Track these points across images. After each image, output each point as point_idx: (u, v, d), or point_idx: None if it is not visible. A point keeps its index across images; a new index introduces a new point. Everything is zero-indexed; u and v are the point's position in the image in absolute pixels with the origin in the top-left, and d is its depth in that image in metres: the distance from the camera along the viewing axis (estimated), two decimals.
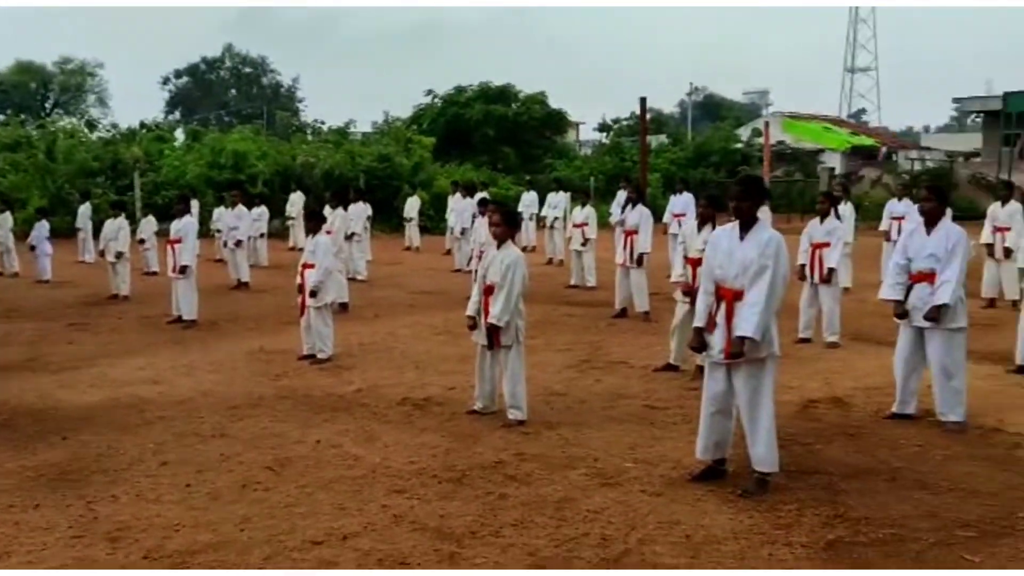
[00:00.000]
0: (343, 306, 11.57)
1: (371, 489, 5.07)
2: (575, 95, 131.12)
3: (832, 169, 37.55)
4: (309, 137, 34.97)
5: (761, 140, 40.48)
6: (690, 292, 8.02)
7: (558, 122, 39.35)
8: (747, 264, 4.93)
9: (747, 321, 4.84)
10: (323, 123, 36.48)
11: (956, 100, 41.23)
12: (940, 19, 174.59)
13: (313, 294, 8.43)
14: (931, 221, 6.40)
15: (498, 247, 6.58)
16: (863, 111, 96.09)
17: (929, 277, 6.32)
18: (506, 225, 6.57)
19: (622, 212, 11.40)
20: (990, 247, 12.10)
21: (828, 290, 9.42)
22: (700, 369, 7.90)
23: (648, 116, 60.83)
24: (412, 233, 21.68)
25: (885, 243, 14.89)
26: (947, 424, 6.26)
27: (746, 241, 4.99)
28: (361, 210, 15.24)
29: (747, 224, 5.03)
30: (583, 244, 13.98)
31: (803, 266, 9.60)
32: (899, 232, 14.42)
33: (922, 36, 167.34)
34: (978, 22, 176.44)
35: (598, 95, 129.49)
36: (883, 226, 14.84)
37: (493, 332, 6.40)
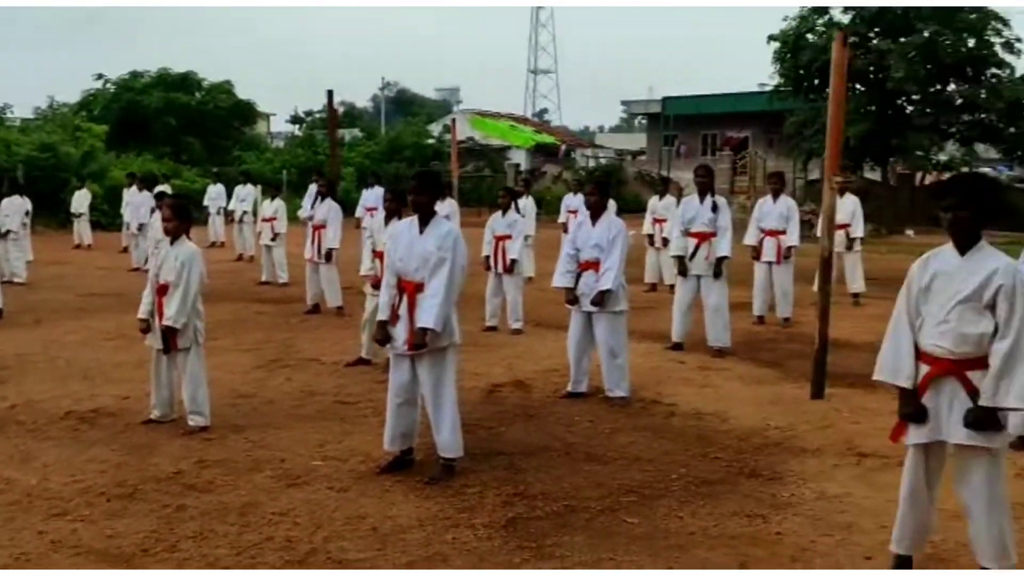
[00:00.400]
0: None
1: (26, 515, 4.55)
2: (267, 87, 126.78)
3: (518, 165, 39.62)
4: None
5: (450, 136, 41.94)
6: (379, 285, 8.11)
7: (247, 113, 37.91)
8: (427, 257, 5.04)
9: (428, 312, 4.94)
10: None
11: (624, 103, 45.38)
12: (612, 27, 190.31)
13: None
14: (595, 214, 6.94)
15: (171, 243, 6.17)
16: (545, 111, 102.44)
17: (595, 265, 6.85)
18: (178, 219, 6.18)
19: (312, 207, 11.21)
20: (651, 237, 13.40)
21: (511, 280, 9.91)
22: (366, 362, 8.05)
23: (341, 110, 60.18)
24: (82, 229, 19.83)
25: (563, 235, 15.95)
26: (614, 399, 6.83)
27: (425, 234, 5.10)
28: (18, 205, 13.65)
29: (426, 218, 5.13)
30: (273, 239, 13.58)
31: (487, 257, 10.04)
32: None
33: (597, 42, 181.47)
34: (644, 32, 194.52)
35: (291, 87, 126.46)
36: (561, 219, 15.91)
37: (169, 335, 6.00)
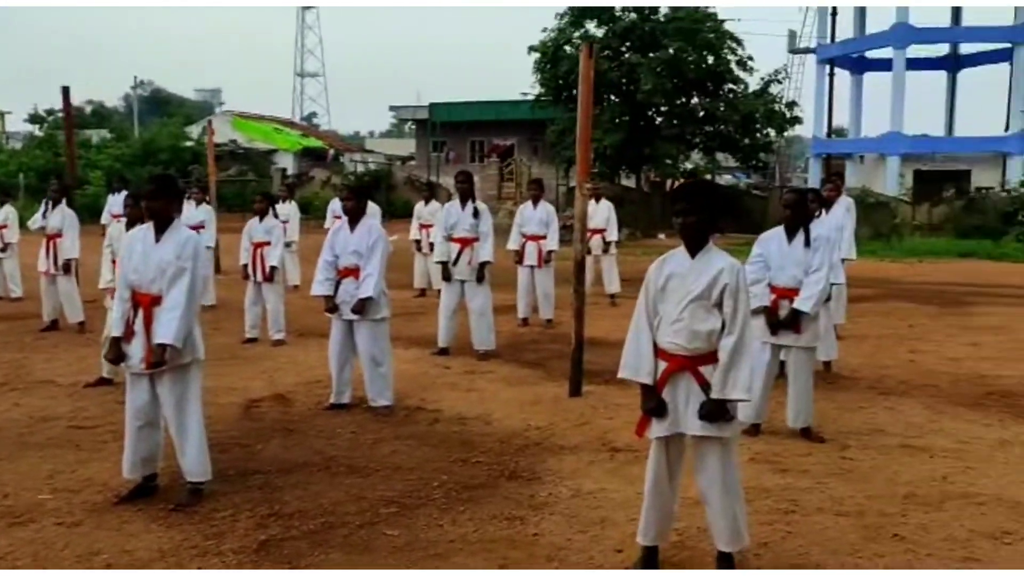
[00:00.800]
0: None
1: None
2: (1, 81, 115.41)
3: (284, 169, 38.53)
4: None
5: (215, 139, 40.00)
6: None
7: None
8: (164, 267, 4.68)
9: (167, 327, 4.60)
10: None
11: (392, 108, 45.15)
12: (382, 32, 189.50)
13: None
14: (353, 219, 6.79)
15: None
16: (314, 115, 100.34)
17: (354, 272, 6.70)
18: None
19: (43, 215, 10.24)
20: (417, 242, 13.39)
21: (271, 288, 9.53)
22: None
23: (88, 109, 55.68)
24: None
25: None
26: (377, 409, 6.71)
27: (162, 242, 4.74)
28: None
29: (162, 224, 4.77)
30: (3, 249, 12.25)
31: (245, 266, 9.60)
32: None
33: (367, 46, 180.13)
34: (414, 37, 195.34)
35: (30, 83, 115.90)
36: (327, 224, 15.56)
37: None
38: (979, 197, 26.41)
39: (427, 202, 13.41)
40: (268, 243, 9.44)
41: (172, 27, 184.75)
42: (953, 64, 36.64)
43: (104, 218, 15.05)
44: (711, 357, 3.73)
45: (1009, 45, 31.43)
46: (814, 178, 34.23)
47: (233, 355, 8.85)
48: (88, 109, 55.95)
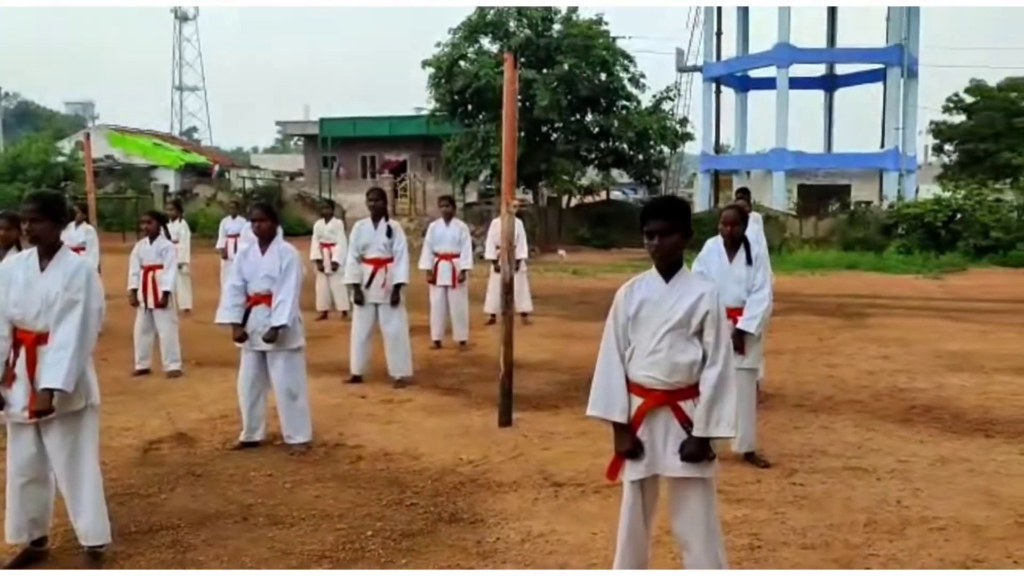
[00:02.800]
0: None
1: None
2: None
3: (166, 186, 36.87)
4: None
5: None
6: None
7: None
8: (51, 300, 4.05)
9: (55, 369, 3.96)
10: None
11: (279, 123, 43.91)
12: (264, 45, 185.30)
13: None
14: (265, 240, 6.23)
15: None
16: (195, 129, 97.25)
17: (266, 299, 6.15)
18: None
19: None
20: (319, 262, 12.76)
21: (165, 314, 8.78)
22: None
23: None
24: None
25: (223, 261, 14.83)
26: (294, 447, 6.15)
27: (48, 271, 4.10)
28: None
29: (48, 250, 4.13)
30: None
31: (134, 291, 8.83)
32: (235, 249, 14.51)
33: (249, 60, 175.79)
34: (297, 51, 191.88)
35: None
36: (219, 244, 14.75)
37: None
38: (860, 211, 27.43)
39: (327, 219, 12.78)
40: (160, 266, 8.68)
41: (38, 35, 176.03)
42: (830, 84, 38.19)
43: None
44: (691, 391, 3.40)
45: (882, 66, 32.94)
46: (703, 193, 35.02)
47: (124, 390, 8.08)
48: None
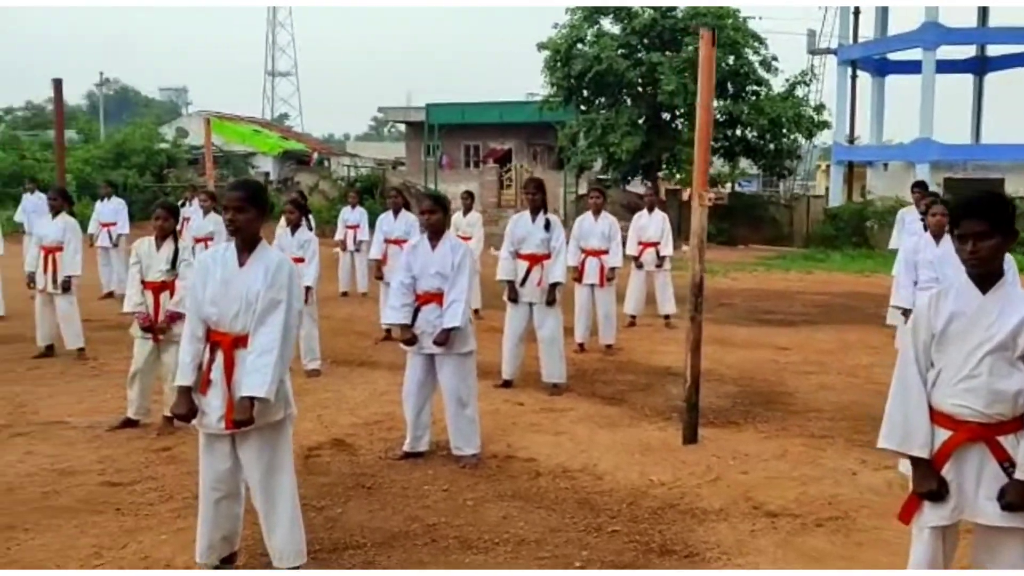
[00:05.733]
0: None
1: None
2: None
3: (267, 173, 37.62)
4: None
5: (187, 141, 39.07)
6: (150, 327, 6.73)
7: None
8: (252, 299, 3.90)
9: (257, 376, 3.81)
10: None
11: (381, 109, 44.29)
12: (357, 30, 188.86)
13: None
14: (436, 235, 6.03)
15: None
16: (286, 116, 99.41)
17: (436, 298, 5.95)
18: None
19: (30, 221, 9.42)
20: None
21: (305, 310, 8.71)
22: (169, 420, 6.69)
23: (49, 107, 54.61)
24: None
25: (341, 253, 14.91)
26: (464, 459, 5.95)
27: (249, 267, 3.95)
28: None
29: (249, 244, 3.99)
30: None
31: None
32: (355, 241, 14.58)
33: (341, 45, 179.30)
34: (392, 35, 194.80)
35: None
36: (339, 235, 14.83)
37: None
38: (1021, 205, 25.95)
39: (466, 212, 12.61)
40: (301, 260, 8.62)
41: (135, 22, 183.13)
42: (980, 67, 36.35)
43: (91, 227, 14.17)
44: (1014, 425, 3.01)
45: None
46: (835, 186, 33.81)
47: None
48: (48, 108, 54.63)
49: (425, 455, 6.08)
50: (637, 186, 29.28)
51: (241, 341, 3.90)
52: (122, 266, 13.80)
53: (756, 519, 4.99)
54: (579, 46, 26.49)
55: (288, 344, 3.92)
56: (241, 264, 3.96)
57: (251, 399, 3.82)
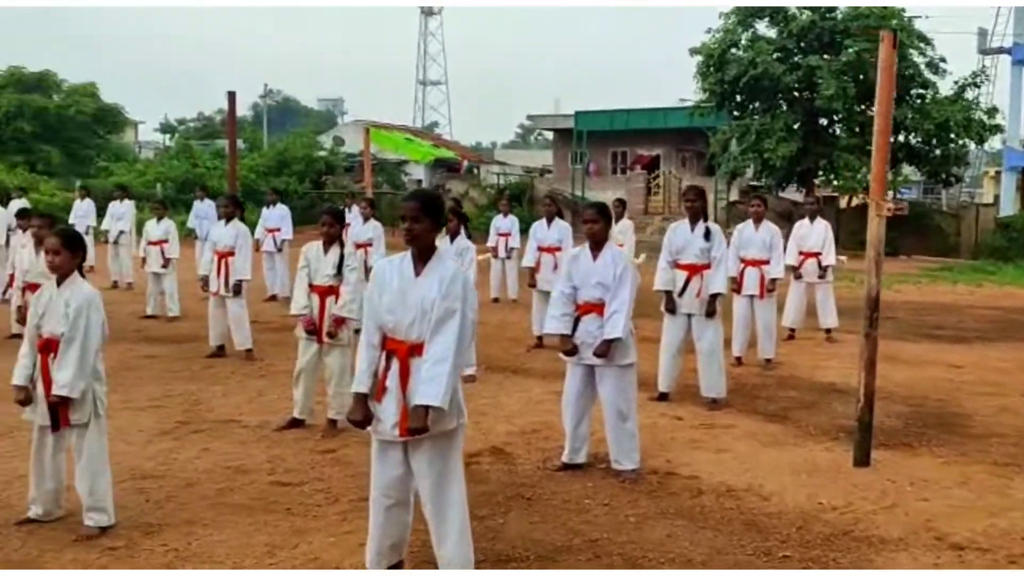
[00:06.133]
0: None
1: None
2: (128, 91, 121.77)
3: (419, 181, 38.54)
4: None
5: (344, 149, 40.49)
6: (315, 330, 6.92)
7: (113, 119, 35.58)
8: (427, 307, 3.93)
9: (432, 384, 3.83)
10: None
11: (530, 117, 44.69)
12: (505, 39, 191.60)
13: None
14: (597, 245, 5.95)
15: (59, 283, 4.87)
16: (436, 124, 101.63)
17: (597, 308, 5.86)
18: (68, 251, 4.87)
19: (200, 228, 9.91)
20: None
21: None
22: (332, 423, 6.87)
23: (218, 117, 57.64)
24: None
25: (492, 259, 15.03)
26: (623, 473, 5.84)
27: (424, 276, 3.98)
28: None
29: (424, 254, 4.03)
30: (163, 266, 12.11)
31: None
32: (506, 248, 14.65)
33: (488, 54, 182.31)
34: (538, 43, 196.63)
35: (157, 92, 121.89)
36: (490, 242, 14.95)
37: (60, 408, 4.70)
38: None
39: (617, 219, 12.49)
40: None
41: (294, 33, 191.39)
42: None
43: (257, 232, 14.81)
44: None
45: None
46: (1006, 194, 31.81)
47: None
48: (218, 119, 57.86)
49: (584, 467, 6.00)
50: (790, 192, 28.43)
51: (416, 349, 3.93)
52: (286, 270, 14.39)
53: (940, 551, 4.68)
54: (733, 51, 25.97)
55: (462, 354, 3.93)
56: (417, 274, 3.99)
57: (426, 407, 3.84)
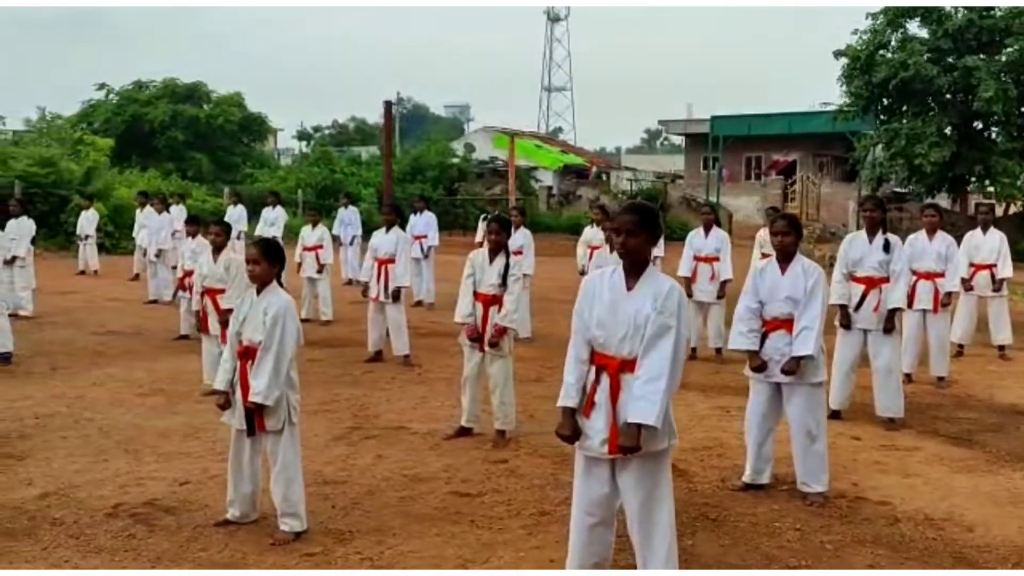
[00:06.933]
0: (5, 357, 9.15)
1: None
2: (266, 99, 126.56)
3: (549, 188, 38.60)
4: None
5: (475, 156, 40.98)
6: (479, 338, 6.89)
7: (257, 127, 36.96)
8: (640, 322, 3.82)
9: (647, 402, 3.73)
10: None
11: (662, 122, 44.19)
12: (628, 45, 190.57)
13: None
14: (786, 257, 5.73)
15: (257, 292, 4.99)
16: (560, 130, 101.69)
17: (785, 324, 5.64)
18: (267, 261, 4.98)
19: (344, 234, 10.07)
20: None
21: None
22: (501, 433, 6.84)
23: (352, 125, 59.10)
24: (88, 254, 18.57)
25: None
26: (810, 496, 5.59)
27: (637, 291, 3.88)
28: (27, 227, 12.49)
29: (636, 268, 3.92)
30: (319, 271, 12.44)
31: None
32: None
33: (611, 60, 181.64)
34: (665, 50, 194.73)
35: (292, 100, 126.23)
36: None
37: (256, 414, 4.80)
38: None
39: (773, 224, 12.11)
40: None
41: (420, 43, 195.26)
42: None
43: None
44: None
45: None
46: None
47: None
48: (351, 126, 59.47)
49: (766, 488, 5.78)
50: (938, 200, 27.10)
51: (628, 365, 3.84)
52: (431, 276, 14.58)
53: None
54: (881, 52, 24.94)
55: (677, 372, 3.80)
56: (629, 288, 3.89)
57: (638, 426, 3.73)
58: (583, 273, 13.47)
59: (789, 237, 5.68)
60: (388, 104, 11.42)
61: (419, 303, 14.40)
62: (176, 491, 5.53)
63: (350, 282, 17.01)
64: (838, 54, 25.80)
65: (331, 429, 7.02)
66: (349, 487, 5.70)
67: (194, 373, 8.61)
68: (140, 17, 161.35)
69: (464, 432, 6.93)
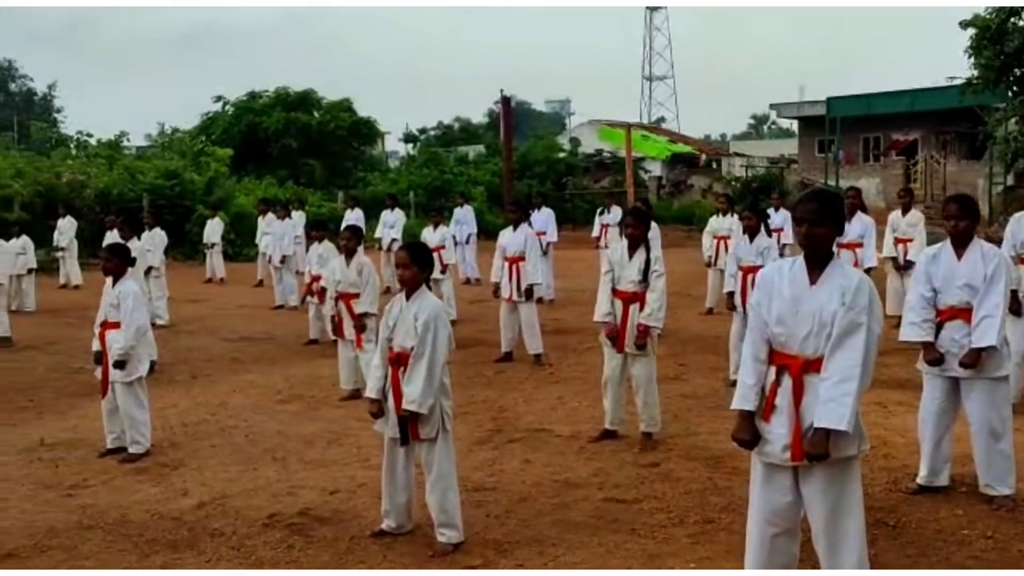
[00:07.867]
0: (150, 366, 9.37)
1: None
2: (370, 103, 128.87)
3: (659, 178, 37.97)
4: (73, 152, 30.99)
5: (583, 150, 40.63)
6: (619, 336, 6.63)
7: (367, 132, 37.46)
8: (826, 319, 3.53)
9: (836, 406, 3.45)
10: (89, 135, 32.11)
11: (773, 106, 42.82)
12: (725, 29, 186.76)
13: (120, 365, 6.33)
14: (963, 242, 5.29)
15: (407, 297, 4.88)
16: (663, 119, 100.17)
17: (963, 313, 5.21)
18: (416, 265, 4.87)
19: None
20: (894, 260, 11.53)
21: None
22: (647, 436, 6.59)
23: (456, 125, 59.40)
24: (215, 262, 19.13)
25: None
26: (996, 499, 5.16)
27: (821, 285, 3.58)
28: (160, 238, 12.85)
29: (820, 261, 3.62)
30: (442, 271, 12.41)
31: (731, 294, 8.49)
32: (779, 244, 13.78)
33: (711, 45, 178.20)
34: (762, 34, 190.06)
35: (395, 103, 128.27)
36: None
37: (410, 422, 4.69)
38: None
39: (905, 211, 11.49)
40: (760, 266, 8.22)
41: (520, 40, 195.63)
42: None
43: None
44: None
45: None
46: None
47: (719, 404, 7.74)
48: (456, 126, 59.73)
49: (944, 490, 5.37)
50: None
51: (812, 365, 3.55)
52: (550, 272, 14.39)
53: None
54: (1013, 20, 23.48)
55: (868, 372, 3.50)
56: (812, 282, 3.60)
57: (827, 431, 3.45)
58: (709, 265, 13.08)
59: (964, 221, 5.23)
60: (506, 99, 11.34)
61: (539, 300, 14.20)
62: (328, 500, 5.49)
63: (468, 281, 17.03)
64: (965, 24, 24.37)
65: (473, 432, 6.90)
66: (500, 494, 5.55)
67: (328, 378, 8.66)
68: (250, 29, 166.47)
69: (609, 435, 6.71)
